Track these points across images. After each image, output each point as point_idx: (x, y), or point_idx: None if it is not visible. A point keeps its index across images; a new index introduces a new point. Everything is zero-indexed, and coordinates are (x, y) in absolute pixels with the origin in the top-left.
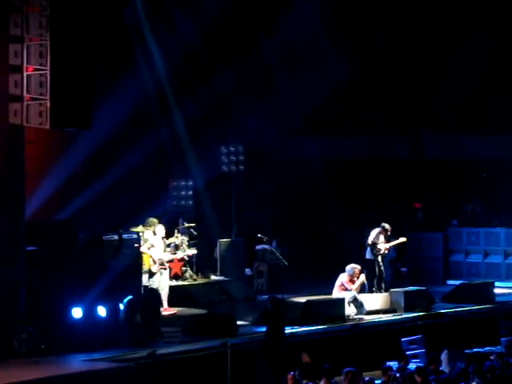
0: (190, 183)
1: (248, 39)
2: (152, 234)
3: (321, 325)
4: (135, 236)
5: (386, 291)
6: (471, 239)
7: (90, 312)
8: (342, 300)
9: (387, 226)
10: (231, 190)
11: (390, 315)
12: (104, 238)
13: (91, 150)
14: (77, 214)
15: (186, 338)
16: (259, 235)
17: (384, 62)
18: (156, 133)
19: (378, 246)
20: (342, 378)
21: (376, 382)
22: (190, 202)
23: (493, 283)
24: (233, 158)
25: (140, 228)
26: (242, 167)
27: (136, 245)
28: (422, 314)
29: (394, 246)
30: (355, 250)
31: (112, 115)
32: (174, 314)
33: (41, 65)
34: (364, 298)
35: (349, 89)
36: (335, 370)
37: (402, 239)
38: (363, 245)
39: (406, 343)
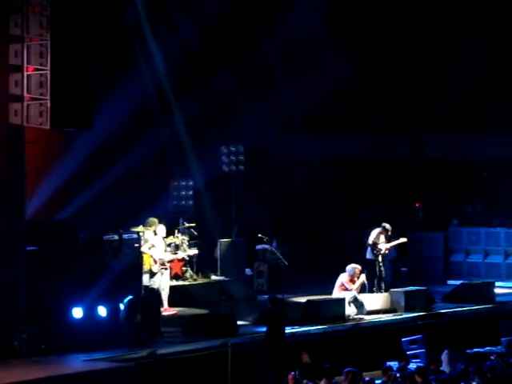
0: (191, 183)
1: (248, 39)
2: (152, 233)
3: (321, 325)
4: (135, 236)
5: (386, 291)
6: (471, 239)
7: (90, 312)
8: (343, 300)
9: (388, 225)
10: (231, 190)
11: (391, 315)
12: (104, 237)
13: (91, 149)
14: (77, 214)
15: (187, 338)
16: (259, 235)
17: (384, 61)
18: (156, 133)
19: (379, 246)
20: (342, 378)
21: (376, 381)
22: (191, 202)
23: (493, 283)
24: (233, 157)
25: (140, 228)
26: (242, 167)
27: (136, 245)
28: (422, 313)
29: (395, 246)
30: (355, 250)
31: (112, 115)
32: (175, 314)
33: (41, 65)
34: (364, 297)
35: (349, 89)
36: (335, 370)
37: (403, 239)
38: (363, 245)
39: (406, 343)
